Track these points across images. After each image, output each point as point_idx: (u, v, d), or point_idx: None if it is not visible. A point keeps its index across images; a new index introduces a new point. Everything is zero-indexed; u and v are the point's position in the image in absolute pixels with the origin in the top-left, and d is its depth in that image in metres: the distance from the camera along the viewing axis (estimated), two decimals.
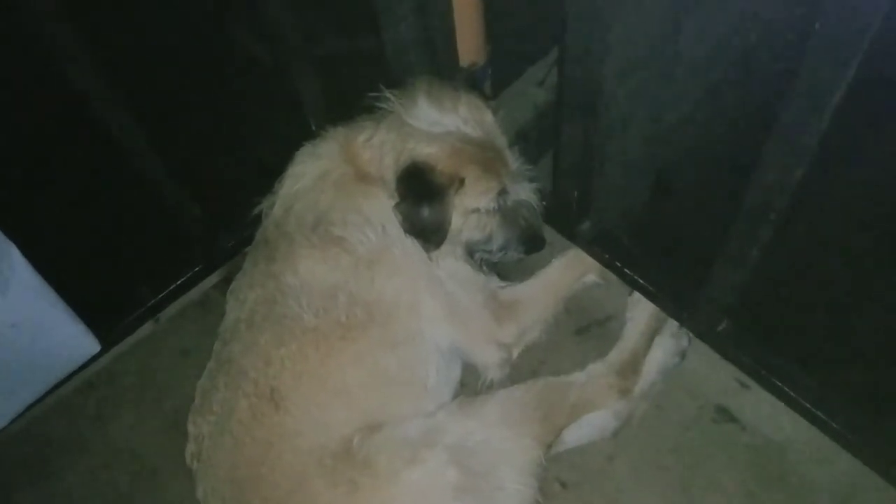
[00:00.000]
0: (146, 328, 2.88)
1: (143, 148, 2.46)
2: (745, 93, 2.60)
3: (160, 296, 2.85)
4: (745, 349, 2.19)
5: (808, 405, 2.09)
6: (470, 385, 2.43)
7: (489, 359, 2.36)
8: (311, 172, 2.21)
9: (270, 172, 2.30)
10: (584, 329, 2.61)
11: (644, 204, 2.59)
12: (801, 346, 2.22)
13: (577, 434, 2.28)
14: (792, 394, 2.11)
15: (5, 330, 2.12)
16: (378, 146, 2.16)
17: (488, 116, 2.19)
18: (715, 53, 2.43)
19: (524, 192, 2.28)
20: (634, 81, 2.11)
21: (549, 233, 2.46)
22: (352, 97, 2.32)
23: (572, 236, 2.51)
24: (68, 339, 2.34)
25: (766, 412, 2.32)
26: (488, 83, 2.80)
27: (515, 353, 2.44)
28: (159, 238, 2.83)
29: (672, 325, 2.43)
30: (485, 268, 2.40)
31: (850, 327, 2.27)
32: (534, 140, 2.79)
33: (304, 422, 1.96)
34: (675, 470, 2.30)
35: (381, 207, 2.15)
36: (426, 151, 2.07)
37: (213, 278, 2.97)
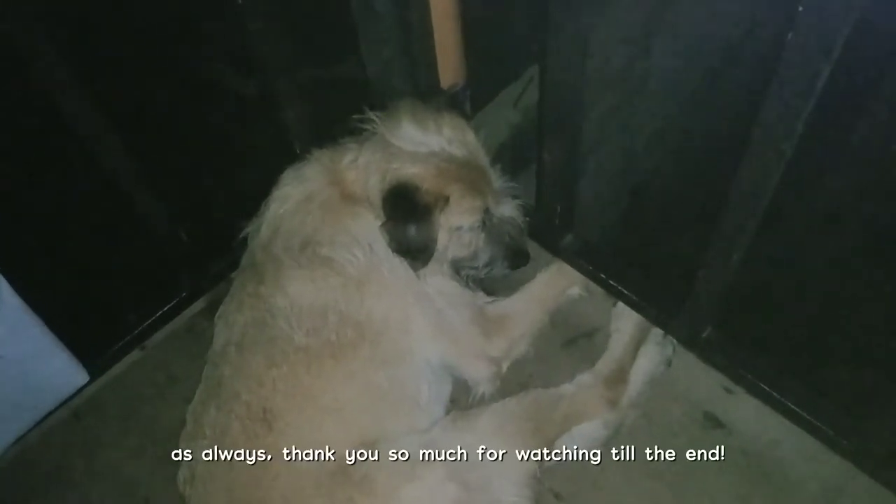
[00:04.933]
0: (132, 356, 2.86)
1: (128, 176, 2.47)
2: (716, 104, 2.68)
3: (146, 323, 2.83)
4: (729, 355, 2.23)
5: (793, 407, 2.13)
6: (459, 401, 2.44)
7: (479, 374, 2.39)
8: (297, 194, 2.24)
9: (255, 196, 2.31)
10: (570, 341, 2.64)
11: (625, 216, 2.65)
12: (784, 349, 2.27)
13: (569, 445, 2.29)
14: (777, 397, 2.15)
15: None
16: (363, 167, 2.19)
17: (471, 136, 2.24)
18: (684, 69, 2.51)
19: (508, 209, 2.33)
20: (610, 98, 2.18)
21: (533, 247, 2.50)
22: (335, 120, 2.35)
23: (556, 250, 2.55)
24: (57, 370, 2.32)
25: (753, 416, 2.35)
26: (468, 104, 2.85)
27: (505, 368, 2.46)
28: (144, 265, 2.82)
29: (657, 333, 2.47)
30: (471, 283, 2.43)
31: (832, 329, 2.32)
32: (510, 160, 2.85)
33: (298, 442, 1.96)
34: (667, 477, 2.32)
35: (368, 227, 2.18)
36: (411, 171, 2.11)
37: (199, 304, 2.96)
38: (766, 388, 2.18)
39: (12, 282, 2.11)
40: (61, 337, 2.37)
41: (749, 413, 2.37)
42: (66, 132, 2.24)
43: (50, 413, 2.59)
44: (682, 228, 2.46)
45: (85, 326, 2.59)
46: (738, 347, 2.23)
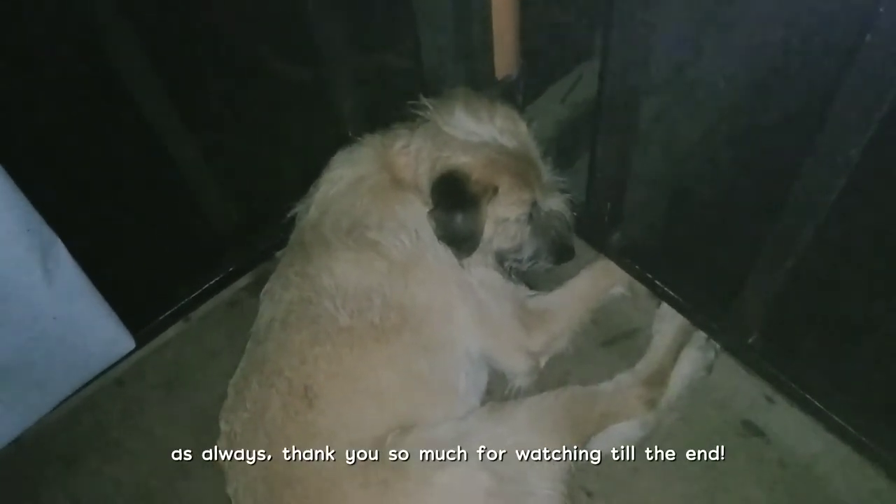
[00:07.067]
0: (176, 327, 2.92)
1: (185, 153, 2.52)
2: (766, 109, 2.62)
3: (192, 295, 2.88)
4: (775, 363, 2.19)
5: (837, 419, 2.08)
6: (495, 392, 2.44)
7: (517, 367, 2.38)
8: (348, 177, 2.26)
9: (306, 177, 2.34)
10: (611, 341, 2.63)
11: (673, 217, 2.61)
12: (829, 360, 2.22)
13: (603, 444, 2.28)
14: (822, 408, 2.11)
15: (47, 322, 2.14)
16: (414, 153, 2.20)
17: (523, 128, 2.23)
18: (734, 73, 2.45)
19: (556, 203, 2.32)
20: (662, 96, 2.14)
21: (577, 243, 2.48)
22: (388, 106, 2.36)
23: (603, 247, 2.53)
24: (106, 336, 2.37)
25: (793, 427, 2.32)
26: (520, 96, 2.84)
27: (543, 362, 2.46)
28: (194, 239, 2.88)
29: (699, 337, 2.44)
30: (514, 276, 2.42)
31: (880, 341, 2.26)
32: (555, 155, 2.83)
33: (336, 421, 1.99)
34: (701, 483, 2.30)
35: (416, 213, 2.19)
36: (462, 160, 2.11)
37: (245, 280, 3.01)
38: (810, 398, 2.14)
39: (70, 249, 2.15)
40: (110, 304, 2.41)
41: (789, 424, 2.33)
42: (129, 110, 2.30)
43: (95, 377, 2.65)
44: (732, 232, 2.41)
45: (132, 295, 2.63)
46: (784, 356, 2.19)
